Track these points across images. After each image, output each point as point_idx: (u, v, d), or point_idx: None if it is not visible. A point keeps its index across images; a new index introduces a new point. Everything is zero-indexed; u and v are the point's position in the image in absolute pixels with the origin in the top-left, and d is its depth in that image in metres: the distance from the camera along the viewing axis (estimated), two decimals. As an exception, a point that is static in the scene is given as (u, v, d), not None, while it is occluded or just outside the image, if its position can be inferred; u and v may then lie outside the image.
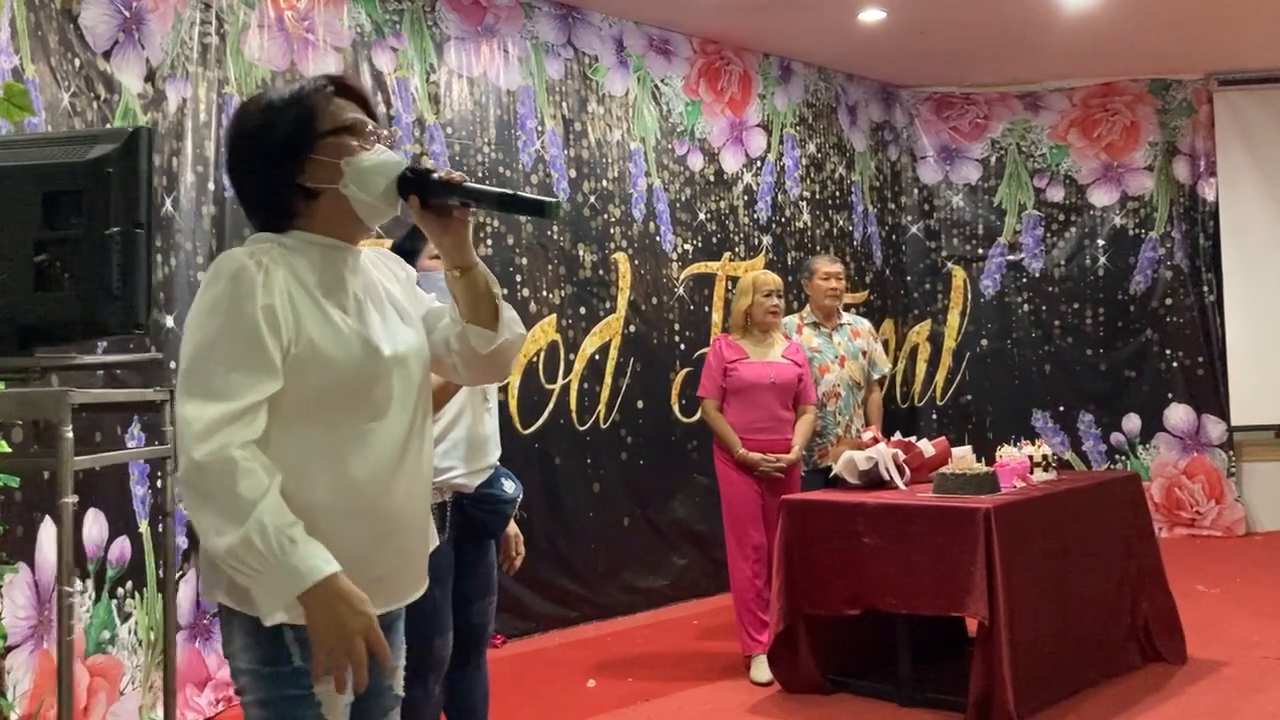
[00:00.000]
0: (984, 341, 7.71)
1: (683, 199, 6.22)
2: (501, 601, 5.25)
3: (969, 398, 7.68)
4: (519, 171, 5.47)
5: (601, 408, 5.75)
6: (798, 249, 6.85)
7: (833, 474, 4.51)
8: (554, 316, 5.57)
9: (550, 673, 4.71)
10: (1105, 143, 7.63)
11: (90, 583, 3.75)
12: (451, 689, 3.03)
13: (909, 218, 7.72)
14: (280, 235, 1.71)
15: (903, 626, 4.08)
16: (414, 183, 1.69)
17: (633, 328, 5.90)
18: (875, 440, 4.60)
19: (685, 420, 6.06)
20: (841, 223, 7.17)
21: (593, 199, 5.78)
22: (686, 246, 6.20)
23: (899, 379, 7.59)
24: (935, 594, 3.82)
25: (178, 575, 4.11)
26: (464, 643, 2.99)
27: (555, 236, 5.60)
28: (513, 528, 3.14)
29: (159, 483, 4.04)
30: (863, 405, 5.14)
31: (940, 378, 7.70)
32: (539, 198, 1.73)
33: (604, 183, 5.84)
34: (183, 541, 4.14)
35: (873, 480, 4.36)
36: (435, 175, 1.69)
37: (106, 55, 3.88)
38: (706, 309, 6.26)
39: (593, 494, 5.68)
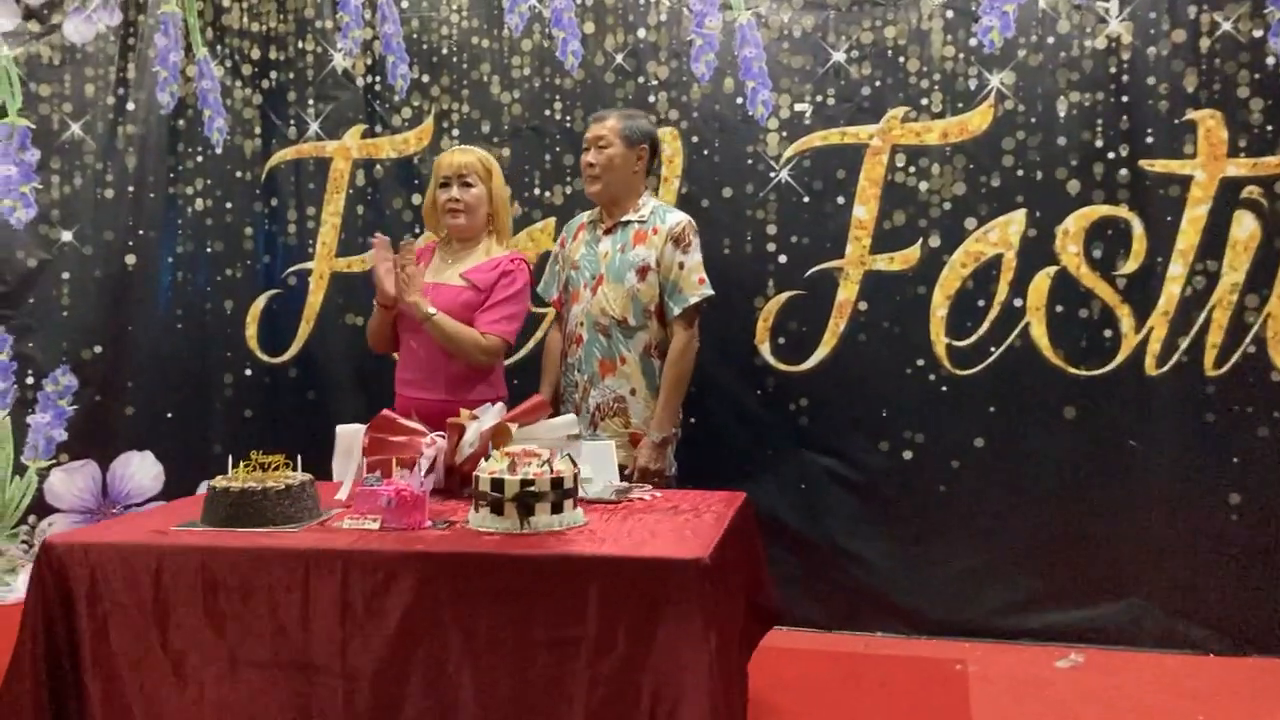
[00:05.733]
0: None
1: (795, 34, 4.13)
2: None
3: None
4: (505, 40, 4.34)
5: (626, 340, 4.28)
6: (1094, 88, 3.93)
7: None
8: (550, 221, 4.33)
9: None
10: None
11: None
12: None
13: None
14: None
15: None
16: None
17: (687, 233, 4.21)
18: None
19: (783, 367, 4.14)
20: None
21: (619, 59, 4.25)
22: (800, 107, 4.13)
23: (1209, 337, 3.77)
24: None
25: None
26: None
27: (558, 116, 4.31)
28: None
29: None
30: (644, 353, 3.12)
31: None
32: None
33: (640, 34, 4.23)
34: None
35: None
36: None
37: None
38: (842, 200, 4.10)
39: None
